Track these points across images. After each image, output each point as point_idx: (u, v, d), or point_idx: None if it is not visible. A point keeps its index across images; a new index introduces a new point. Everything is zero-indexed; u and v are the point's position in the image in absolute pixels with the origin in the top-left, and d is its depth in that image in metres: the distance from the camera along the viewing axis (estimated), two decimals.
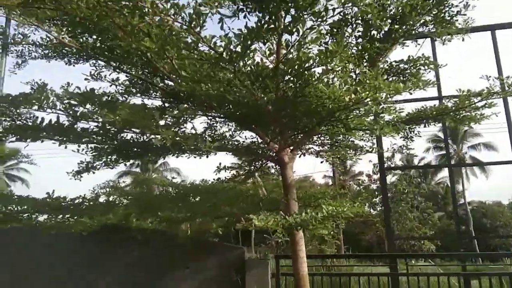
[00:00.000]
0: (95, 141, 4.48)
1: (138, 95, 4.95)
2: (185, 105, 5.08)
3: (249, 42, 2.98)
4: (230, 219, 4.11)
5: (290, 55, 3.32)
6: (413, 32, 5.47)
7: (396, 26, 5.10)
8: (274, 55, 3.37)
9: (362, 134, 4.54)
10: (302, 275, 5.13)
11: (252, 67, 3.34)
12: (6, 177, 39.33)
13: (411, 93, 6.07)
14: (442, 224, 36.96)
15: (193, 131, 4.11)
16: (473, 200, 42.96)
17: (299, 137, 4.89)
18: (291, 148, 5.20)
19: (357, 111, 3.78)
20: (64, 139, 3.65)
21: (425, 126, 5.60)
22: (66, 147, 4.97)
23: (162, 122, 5.08)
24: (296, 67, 3.38)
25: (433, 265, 11.85)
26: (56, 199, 4.30)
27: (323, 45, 4.15)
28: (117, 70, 4.51)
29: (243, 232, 44.42)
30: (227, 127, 5.40)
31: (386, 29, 5.01)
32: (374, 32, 4.92)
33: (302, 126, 4.36)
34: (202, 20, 2.67)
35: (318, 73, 3.57)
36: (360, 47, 4.92)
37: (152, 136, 2.61)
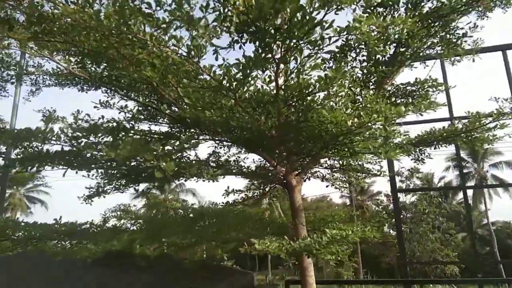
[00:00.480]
0: (105, 166, 4.56)
1: (146, 121, 5.04)
2: (192, 131, 5.16)
3: (248, 71, 3.02)
4: (237, 244, 4.08)
5: (291, 82, 3.34)
6: (420, 54, 5.46)
7: (402, 50, 5.10)
8: (274, 82, 3.39)
9: (369, 158, 4.49)
10: None
11: (253, 94, 3.38)
12: (26, 199, 40.13)
13: (421, 115, 6.06)
14: (466, 245, 35.82)
15: (196, 158, 4.13)
16: (498, 220, 41.66)
17: (306, 161, 4.87)
18: (299, 171, 5.19)
19: (361, 135, 3.74)
20: (70, 166, 3.71)
21: (435, 148, 5.51)
22: (76, 172, 5.09)
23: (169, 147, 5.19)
24: (296, 93, 3.40)
25: None
26: (64, 225, 4.36)
27: (326, 70, 4.19)
28: (125, 98, 4.63)
29: (260, 255, 43.99)
30: (234, 151, 5.42)
31: (391, 52, 5.02)
32: (378, 56, 4.93)
33: (307, 151, 4.35)
34: (200, 51, 2.73)
35: (320, 98, 3.59)
36: (365, 71, 4.93)
37: (152, 167, 2.64)
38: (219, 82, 3.05)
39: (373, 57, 4.82)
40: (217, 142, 5.58)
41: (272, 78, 3.24)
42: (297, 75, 3.17)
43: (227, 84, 3.07)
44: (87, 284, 5.85)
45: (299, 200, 5.31)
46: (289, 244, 3.74)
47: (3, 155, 4.75)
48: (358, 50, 4.66)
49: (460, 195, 41.45)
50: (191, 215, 6.64)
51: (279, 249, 3.66)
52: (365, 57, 4.87)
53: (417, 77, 5.27)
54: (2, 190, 4.97)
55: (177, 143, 4.12)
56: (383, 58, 5.02)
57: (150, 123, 5.12)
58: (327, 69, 3.86)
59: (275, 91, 3.32)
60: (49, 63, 4.73)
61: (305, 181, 5.37)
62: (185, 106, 3.70)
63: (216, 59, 2.76)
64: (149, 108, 4.81)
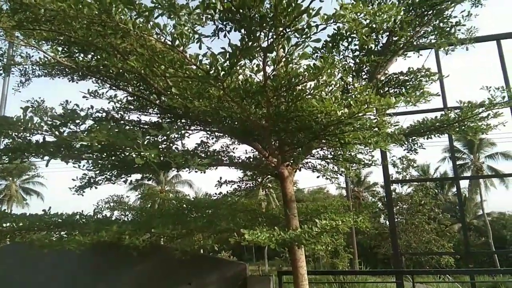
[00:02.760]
0: (92, 156, 4.50)
1: (136, 111, 4.99)
2: (182, 121, 5.11)
3: (234, 60, 2.97)
4: (228, 235, 4.06)
5: (280, 71, 3.29)
6: (413, 43, 5.40)
7: (394, 39, 5.05)
8: (262, 72, 3.34)
9: (360, 148, 4.45)
10: None
11: (241, 83, 3.33)
12: (22, 191, 40.06)
13: (414, 105, 6.03)
14: (461, 236, 36.03)
15: (184, 149, 4.08)
16: (493, 211, 41.91)
17: (297, 151, 4.83)
18: (291, 162, 5.15)
19: (352, 126, 3.70)
20: (54, 157, 3.65)
21: (427, 138, 5.48)
22: (67, 163, 5.04)
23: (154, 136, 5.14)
24: (285, 82, 3.35)
25: (452, 281, 11.56)
26: (53, 216, 4.32)
27: (316, 59, 4.13)
28: (114, 88, 4.56)
29: (258, 246, 44.12)
30: (227, 142, 5.37)
31: (383, 41, 4.97)
32: (371, 45, 4.87)
33: (297, 141, 4.31)
34: (185, 40, 2.67)
35: (310, 88, 3.54)
36: (357, 60, 4.88)
37: (134, 155, 2.59)
38: (205, 71, 3.00)
39: (365, 47, 4.76)
40: (208, 132, 5.54)
41: (260, 67, 3.18)
42: (285, 64, 3.12)
43: (214, 74, 3.01)
44: (80, 274, 5.84)
45: (291, 190, 5.28)
46: (280, 234, 3.72)
47: None
48: (350, 39, 4.59)
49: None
50: (184, 205, 6.63)
51: (269, 239, 3.64)
52: (357, 47, 4.82)
53: (410, 66, 5.23)
54: None
55: (174, 128, 4.05)
56: (376, 48, 4.96)
57: (140, 113, 5.07)
58: (318, 59, 3.78)
59: (263, 81, 3.27)
60: (38, 53, 4.65)
61: (295, 172, 5.33)
62: (174, 96, 3.63)
63: (200, 47, 2.70)
64: (139, 98, 4.75)
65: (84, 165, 5.26)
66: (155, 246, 5.99)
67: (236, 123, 4.23)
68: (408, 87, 5.56)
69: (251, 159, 5.53)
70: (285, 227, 4.69)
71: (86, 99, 4.97)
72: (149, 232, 3.97)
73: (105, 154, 3.96)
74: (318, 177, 5.40)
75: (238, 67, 3.21)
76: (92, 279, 5.96)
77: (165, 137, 3.49)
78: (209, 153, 4.90)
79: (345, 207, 6.71)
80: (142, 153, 2.61)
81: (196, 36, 2.67)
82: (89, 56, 4.22)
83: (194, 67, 3.09)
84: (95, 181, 5.77)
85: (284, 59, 3.06)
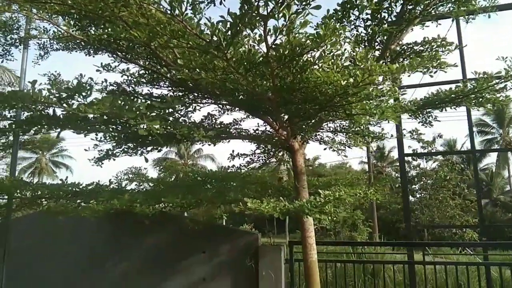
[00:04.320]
0: (102, 129, 4.61)
1: (147, 85, 5.05)
2: (194, 94, 5.16)
3: (235, 29, 2.96)
4: (237, 205, 4.14)
5: (281, 41, 3.26)
6: (431, 12, 5.21)
7: (409, 7, 4.88)
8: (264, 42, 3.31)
9: (369, 120, 4.39)
10: (311, 261, 5.14)
11: (244, 54, 3.32)
12: (52, 164, 41.56)
13: (431, 76, 5.87)
14: (486, 212, 35.44)
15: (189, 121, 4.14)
16: None
17: (306, 124, 4.83)
18: (301, 135, 5.16)
19: (357, 96, 3.66)
20: (64, 128, 3.77)
21: (442, 111, 5.36)
22: (85, 136, 5.21)
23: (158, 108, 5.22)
24: (288, 53, 3.32)
25: (471, 254, 11.46)
26: (70, 185, 4.52)
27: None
28: (125, 61, 4.63)
29: (280, 220, 44.62)
30: (236, 115, 5.40)
31: (397, 10, 4.81)
32: (384, 14, 4.74)
33: (304, 113, 4.30)
34: (183, 7, 2.68)
35: (315, 58, 3.50)
36: (369, 30, 4.76)
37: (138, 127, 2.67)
38: (207, 41, 3.01)
39: (377, 16, 4.63)
40: (219, 106, 5.58)
41: (263, 37, 3.16)
42: (287, 33, 3.09)
43: (216, 44, 3.02)
44: (110, 266, 6.10)
45: (301, 163, 5.31)
46: (284, 204, 3.78)
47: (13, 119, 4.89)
48: (360, 8, 4.46)
49: (484, 161, 40.66)
50: (198, 178, 6.78)
51: (273, 208, 3.71)
52: (369, 16, 4.69)
53: (425, 36, 5.07)
54: (14, 152, 5.13)
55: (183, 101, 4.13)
56: (389, 17, 4.82)
57: (151, 86, 5.14)
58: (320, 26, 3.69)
59: (266, 51, 3.25)
60: (53, 27, 4.74)
61: (305, 145, 5.33)
62: (181, 68, 3.67)
63: (194, 14, 2.70)
64: (150, 71, 4.81)
65: (101, 138, 5.43)
66: (169, 216, 6.19)
67: (243, 95, 4.24)
68: (423, 57, 5.41)
69: (261, 132, 5.55)
70: (295, 199, 4.74)
71: (100, 73, 5.08)
72: (159, 202, 4.10)
73: (112, 126, 4.05)
74: (325, 149, 5.38)
75: (240, 38, 3.21)
76: (108, 249, 6.23)
77: (171, 110, 3.54)
78: (215, 126, 4.94)
79: (359, 180, 6.70)
80: (145, 124, 2.67)
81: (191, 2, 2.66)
82: (100, 29, 4.28)
83: (197, 37, 3.10)
84: (113, 153, 5.95)
85: (285, 28, 3.02)
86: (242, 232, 6.43)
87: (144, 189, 6.26)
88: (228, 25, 2.94)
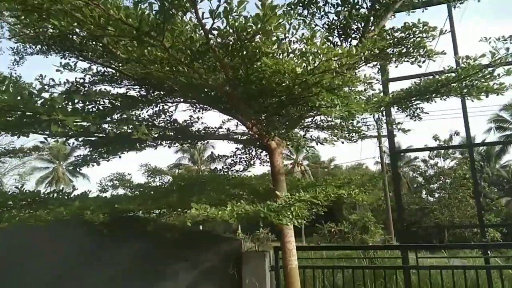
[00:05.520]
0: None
1: (108, 83, 4.77)
2: (157, 93, 4.88)
3: (167, 13, 2.66)
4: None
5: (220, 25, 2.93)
6: None
7: None
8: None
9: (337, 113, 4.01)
10: (290, 268, 4.80)
11: (183, 42, 3.01)
12: (68, 173, 42.09)
13: (419, 66, 5.46)
14: (509, 210, 34.16)
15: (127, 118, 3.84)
16: None
17: (277, 120, 4.48)
18: (274, 132, 4.81)
19: (317, 86, 3.30)
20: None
21: (429, 102, 4.93)
22: (57, 141, 4.97)
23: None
24: (232, 38, 3.00)
25: (480, 256, 10.81)
26: (28, 194, 4.29)
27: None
28: (81, 59, 4.37)
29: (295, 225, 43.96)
30: (201, 113, 5.08)
31: None
32: None
33: (266, 108, 3.95)
34: None
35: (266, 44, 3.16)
36: (341, 17, 4.39)
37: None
38: (135, 28, 2.72)
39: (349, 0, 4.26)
40: (192, 105, 5.28)
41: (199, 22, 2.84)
42: (225, 16, 2.76)
43: (144, 31, 2.73)
44: (90, 275, 5.82)
45: (279, 163, 4.96)
46: (243, 209, 3.43)
47: None
48: None
49: (504, 158, 39.30)
50: (182, 183, 6.51)
51: (230, 214, 3.37)
52: (339, 1, 4.32)
53: (405, 22, 4.66)
54: None
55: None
56: (363, 1, 4.44)
57: (116, 85, 4.86)
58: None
59: (205, 37, 2.94)
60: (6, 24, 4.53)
61: (282, 142, 4.97)
62: (123, 62, 3.39)
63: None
64: (106, 68, 4.54)
65: (73, 143, 5.17)
66: (149, 225, 5.91)
67: (201, 90, 3.93)
68: (408, 46, 5.01)
69: (241, 132, 5.22)
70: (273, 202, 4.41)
71: (61, 73, 4.83)
72: (113, 209, 3.82)
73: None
74: (292, 146, 4.98)
75: (173, 23, 2.90)
76: (84, 261, 5.92)
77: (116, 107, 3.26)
78: (167, 125, 4.61)
79: (352, 180, 6.29)
80: (58, 118, 2.39)
81: None
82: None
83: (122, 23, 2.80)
84: (92, 159, 5.70)
85: (222, 10, 2.70)
86: (225, 238, 6.11)
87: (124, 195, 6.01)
88: (158, 9, 2.65)
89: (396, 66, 5.67)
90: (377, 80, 5.80)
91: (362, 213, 25.37)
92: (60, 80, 4.89)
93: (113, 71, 4.59)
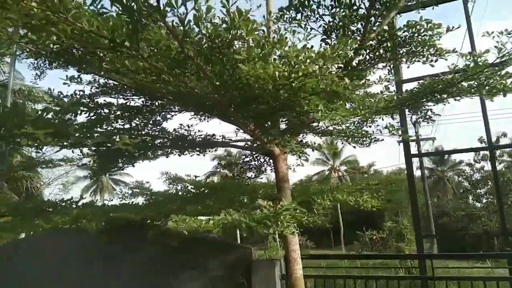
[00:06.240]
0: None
1: (113, 95, 4.88)
2: (158, 102, 4.93)
3: (139, 23, 2.68)
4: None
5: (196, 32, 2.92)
6: None
7: None
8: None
9: (333, 118, 3.86)
10: (295, 277, 4.70)
11: (160, 51, 3.03)
12: (111, 182, 43.71)
13: (432, 66, 5.23)
14: None
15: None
16: None
17: (271, 127, 4.40)
18: (274, 139, 4.73)
19: (302, 90, 3.20)
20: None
21: (437, 103, 4.67)
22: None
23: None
24: (207, 45, 2.98)
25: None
26: (30, 202, 4.47)
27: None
28: (81, 71, 4.49)
29: (335, 230, 43.24)
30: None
31: None
32: None
33: (255, 114, 3.89)
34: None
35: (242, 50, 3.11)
36: (337, 18, 4.25)
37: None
38: (109, 39, 2.76)
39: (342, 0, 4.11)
40: (195, 112, 5.29)
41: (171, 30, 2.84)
42: (195, 22, 2.74)
43: (119, 41, 2.76)
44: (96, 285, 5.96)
45: (283, 170, 4.88)
46: (227, 218, 3.37)
47: None
48: None
49: None
50: (191, 189, 6.56)
51: (216, 224, 3.31)
52: (332, 2, 4.18)
53: (408, 20, 4.45)
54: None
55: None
56: (361, 2, 4.26)
57: (120, 96, 4.96)
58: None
59: (179, 45, 2.92)
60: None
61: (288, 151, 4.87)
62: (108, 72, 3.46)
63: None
64: (106, 80, 4.64)
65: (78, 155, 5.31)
66: (162, 231, 5.93)
67: (191, 99, 3.92)
68: (416, 45, 4.80)
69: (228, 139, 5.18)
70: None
71: (68, 86, 5.01)
72: (108, 218, 3.89)
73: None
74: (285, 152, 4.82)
75: (147, 33, 2.92)
76: (95, 269, 6.02)
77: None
78: (157, 134, 4.62)
79: (370, 186, 6.06)
80: (29, 132, 2.46)
81: None
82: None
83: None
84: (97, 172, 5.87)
85: (191, 17, 2.68)
86: (235, 245, 6.05)
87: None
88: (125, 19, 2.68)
89: (408, 67, 5.46)
90: (388, 81, 5.59)
91: (403, 220, 24.52)
92: (68, 92, 5.12)
93: (115, 83, 4.70)
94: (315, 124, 5.01)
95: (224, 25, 2.77)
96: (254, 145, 5.21)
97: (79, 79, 4.81)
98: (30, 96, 4.87)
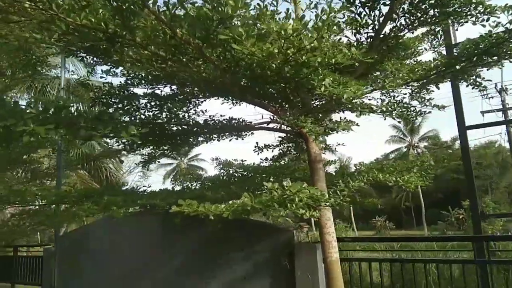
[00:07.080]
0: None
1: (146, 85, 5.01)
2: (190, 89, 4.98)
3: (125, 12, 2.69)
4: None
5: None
6: None
7: None
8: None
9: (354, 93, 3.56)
10: (330, 260, 4.55)
11: (156, 36, 3.01)
12: (189, 168, 46.02)
13: (483, 26, 4.76)
14: None
15: None
16: None
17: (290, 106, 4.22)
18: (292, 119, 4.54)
19: (307, 65, 3.00)
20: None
21: (488, 68, 4.12)
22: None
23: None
24: (204, 26, 2.90)
25: None
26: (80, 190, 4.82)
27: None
28: (112, 65, 4.64)
29: (416, 208, 41.07)
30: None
31: None
32: None
33: (272, 95, 3.74)
34: None
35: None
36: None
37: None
38: (103, 30, 2.81)
39: None
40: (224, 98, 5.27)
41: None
42: (180, 4, 2.66)
43: (113, 31, 2.80)
44: (154, 266, 6.33)
45: (315, 151, 4.70)
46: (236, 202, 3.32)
47: None
48: None
49: None
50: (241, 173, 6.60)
51: (226, 209, 3.27)
52: None
53: None
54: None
55: None
56: None
57: (153, 86, 5.07)
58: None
59: (172, 31, 2.88)
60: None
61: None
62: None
63: None
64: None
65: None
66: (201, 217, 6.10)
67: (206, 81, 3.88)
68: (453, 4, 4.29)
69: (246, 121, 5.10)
70: None
71: (105, 79, 5.25)
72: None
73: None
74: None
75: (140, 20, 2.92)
76: (156, 250, 6.41)
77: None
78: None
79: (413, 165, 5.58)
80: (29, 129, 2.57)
81: None
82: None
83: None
84: (154, 156, 6.17)
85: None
86: (277, 228, 5.96)
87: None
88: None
89: (456, 29, 4.93)
90: (434, 48, 5.09)
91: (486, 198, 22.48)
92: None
93: (142, 74, 4.82)
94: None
95: (207, 5, 2.66)
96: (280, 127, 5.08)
97: (113, 72, 5.05)
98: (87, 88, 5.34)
